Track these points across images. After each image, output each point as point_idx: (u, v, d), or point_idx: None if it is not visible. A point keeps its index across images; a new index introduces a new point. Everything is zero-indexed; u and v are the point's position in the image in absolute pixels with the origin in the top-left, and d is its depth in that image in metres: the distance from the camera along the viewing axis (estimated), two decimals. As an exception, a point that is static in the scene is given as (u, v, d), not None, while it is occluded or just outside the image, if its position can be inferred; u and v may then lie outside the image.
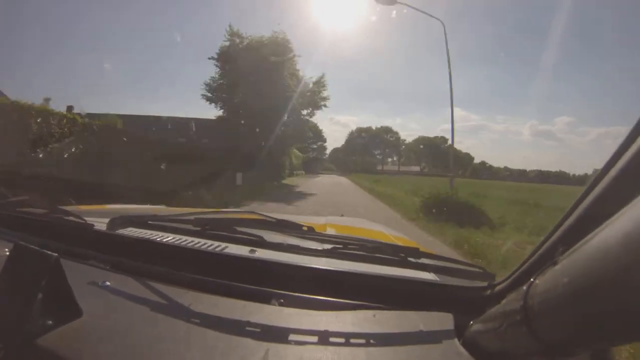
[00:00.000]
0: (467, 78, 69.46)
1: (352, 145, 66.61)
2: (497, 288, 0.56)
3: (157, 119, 18.59)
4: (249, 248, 0.72)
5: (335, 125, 77.77)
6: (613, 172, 0.38)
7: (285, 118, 18.43)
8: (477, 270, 0.69)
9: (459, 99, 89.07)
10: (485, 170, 57.42)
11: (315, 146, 59.84)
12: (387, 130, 69.51)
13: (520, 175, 49.52)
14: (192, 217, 0.87)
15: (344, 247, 0.74)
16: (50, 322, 0.44)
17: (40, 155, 5.39)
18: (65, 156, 5.77)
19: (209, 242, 0.75)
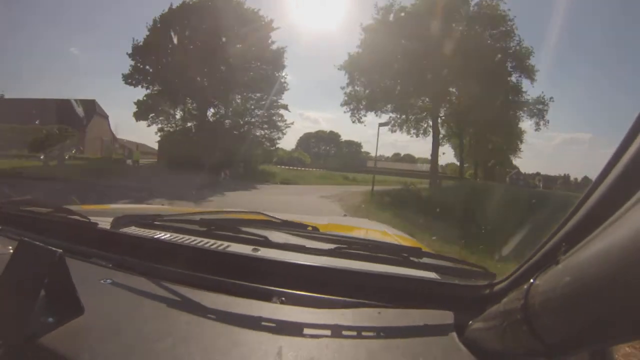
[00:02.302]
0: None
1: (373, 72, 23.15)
2: (498, 287, 0.63)
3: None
4: (253, 247, 0.82)
5: (305, 121, 78.47)
6: (615, 172, 0.41)
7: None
8: (478, 269, 0.76)
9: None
10: (517, 175, 47.53)
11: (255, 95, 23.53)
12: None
13: (565, 183, 43.93)
14: (197, 217, 0.97)
15: (347, 246, 0.83)
16: (52, 319, 0.50)
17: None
18: None
19: (214, 242, 0.85)
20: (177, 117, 21.46)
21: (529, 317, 0.39)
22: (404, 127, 22.59)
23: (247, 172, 19.03)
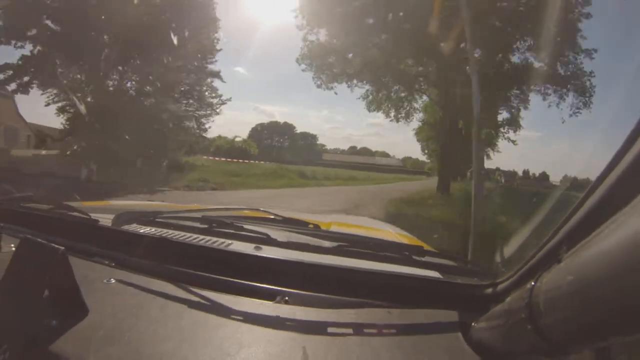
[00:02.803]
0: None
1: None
2: (501, 286, 0.70)
3: None
4: (255, 245, 0.91)
5: (260, 115, 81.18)
6: (617, 170, 0.46)
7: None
8: (480, 268, 0.89)
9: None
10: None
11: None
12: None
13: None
14: (199, 215, 1.05)
15: (349, 245, 0.93)
16: (56, 320, 0.55)
17: None
18: None
19: (216, 239, 0.93)
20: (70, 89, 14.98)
21: (533, 316, 0.45)
22: (384, 107, 17.93)
23: (141, 168, 13.49)
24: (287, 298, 0.72)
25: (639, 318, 0.34)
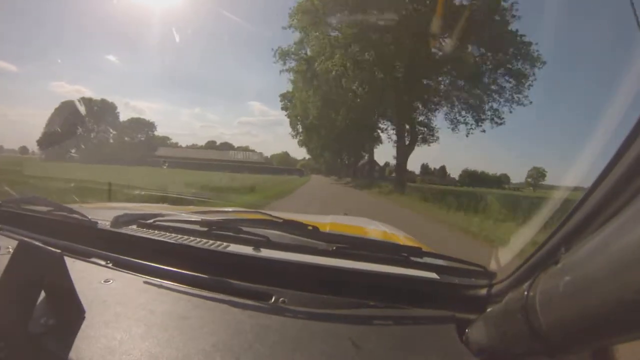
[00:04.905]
0: (271, 74, 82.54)
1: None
2: (499, 287, 0.71)
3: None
4: (253, 247, 0.92)
5: (130, 111, 78.47)
6: (615, 172, 0.47)
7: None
8: (478, 269, 0.89)
9: (260, 93, 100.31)
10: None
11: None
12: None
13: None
14: (197, 217, 1.08)
15: (348, 246, 0.94)
16: (52, 321, 0.56)
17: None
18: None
19: (215, 242, 0.94)
20: None
21: (529, 317, 0.46)
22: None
23: None
24: (282, 299, 0.72)
25: (635, 318, 0.34)
